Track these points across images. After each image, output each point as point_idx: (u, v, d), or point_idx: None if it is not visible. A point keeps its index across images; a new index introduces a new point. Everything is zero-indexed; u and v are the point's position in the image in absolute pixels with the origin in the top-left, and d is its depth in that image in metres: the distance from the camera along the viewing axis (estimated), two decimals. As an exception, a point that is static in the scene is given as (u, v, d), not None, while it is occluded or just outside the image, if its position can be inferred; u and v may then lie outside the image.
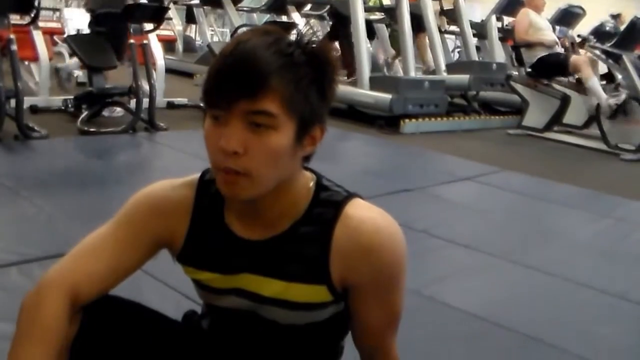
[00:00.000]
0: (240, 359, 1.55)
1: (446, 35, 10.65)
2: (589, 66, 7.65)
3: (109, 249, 1.43)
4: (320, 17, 10.50)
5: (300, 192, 1.40)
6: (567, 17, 9.79)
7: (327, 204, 1.39)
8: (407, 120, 7.55)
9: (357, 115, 7.75)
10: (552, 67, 8.04)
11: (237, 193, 1.30)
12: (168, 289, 2.71)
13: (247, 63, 1.22)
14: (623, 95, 7.34)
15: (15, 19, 5.86)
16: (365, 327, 1.50)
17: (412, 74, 8.12)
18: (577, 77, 7.91)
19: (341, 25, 8.78)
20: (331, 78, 1.32)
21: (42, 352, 1.31)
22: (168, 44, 10.37)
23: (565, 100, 7.95)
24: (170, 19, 10.82)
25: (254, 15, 10.83)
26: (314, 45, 1.30)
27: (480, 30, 10.24)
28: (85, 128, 5.86)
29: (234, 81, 1.23)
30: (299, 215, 1.39)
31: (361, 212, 1.38)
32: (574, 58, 7.84)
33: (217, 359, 1.56)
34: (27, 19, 5.97)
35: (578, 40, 8.43)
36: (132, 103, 6.21)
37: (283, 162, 1.29)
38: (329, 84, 1.32)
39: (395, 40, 8.45)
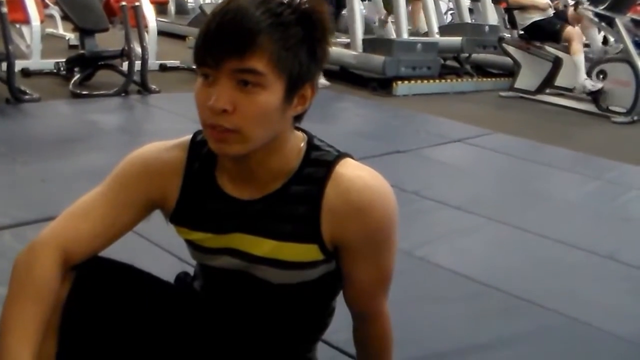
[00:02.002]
0: (233, 318, 1.57)
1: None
2: (581, 42, 7.67)
3: (100, 209, 1.44)
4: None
5: (291, 151, 1.41)
6: (560, -21, 9.74)
7: (318, 164, 1.40)
8: (399, 83, 7.54)
9: (349, 77, 7.74)
10: (545, 34, 8.02)
11: (226, 149, 1.31)
12: (161, 251, 2.74)
13: (235, 22, 1.23)
14: (600, 85, 7.35)
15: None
16: (357, 287, 1.51)
17: (405, 36, 8.09)
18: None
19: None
20: (322, 38, 1.32)
21: (35, 310, 1.33)
22: (160, 6, 10.27)
23: (557, 63, 7.93)
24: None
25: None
26: (305, 6, 1.29)
27: (473, -8, 10.18)
28: (78, 91, 5.86)
29: (222, 40, 1.24)
30: (290, 175, 1.40)
31: (352, 171, 1.40)
32: (568, 30, 7.79)
33: (210, 320, 1.58)
34: (17, -19, 5.93)
35: (571, 2, 8.40)
36: (125, 65, 6.18)
37: (272, 120, 1.30)
38: (319, 43, 1.32)
39: (389, 2, 8.40)
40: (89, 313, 1.42)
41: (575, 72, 7.55)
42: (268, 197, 1.41)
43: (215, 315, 1.58)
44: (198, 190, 1.46)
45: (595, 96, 7.39)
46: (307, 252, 1.42)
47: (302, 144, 1.43)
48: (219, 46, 1.24)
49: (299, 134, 1.44)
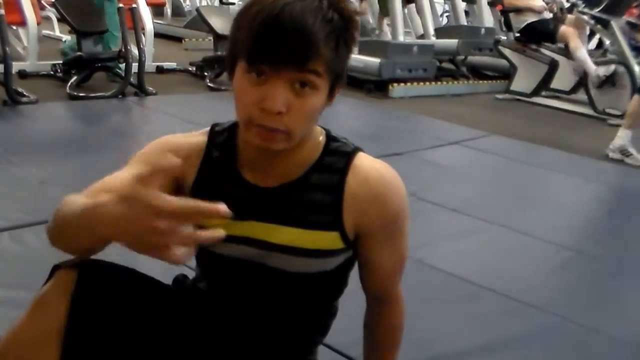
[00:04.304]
0: (236, 315, 1.57)
1: (435, 0, 10.60)
2: (577, 38, 7.68)
3: (124, 185, 1.45)
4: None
5: (312, 142, 1.47)
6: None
7: (338, 154, 1.47)
8: (395, 85, 7.56)
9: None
10: (540, 34, 8.05)
11: (272, 145, 1.35)
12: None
13: (299, 31, 1.26)
14: (613, 66, 7.36)
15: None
16: (376, 272, 1.57)
17: (401, 38, 8.10)
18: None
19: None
20: (357, 35, 1.38)
21: None
22: (157, 8, 10.29)
23: (553, 66, 7.96)
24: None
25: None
26: (349, 9, 1.34)
27: (469, -6, 10.20)
28: (75, 93, 5.85)
29: (286, 48, 1.26)
30: (311, 164, 1.46)
31: (369, 162, 1.48)
32: (562, 29, 7.82)
33: (211, 320, 1.58)
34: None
35: (567, 5, 8.42)
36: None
37: (315, 118, 1.39)
38: (355, 40, 1.38)
39: (385, 4, 8.41)
40: (92, 318, 1.41)
41: (583, 66, 7.56)
42: (289, 185, 1.45)
43: (217, 314, 1.58)
44: (217, 175, 1.49)
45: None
46: (328, 239, 1.45)
47: (321, 136, 1.50)
48: (282, 51, 1.26)
49: (317, 126, 1.50)
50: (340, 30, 1.31)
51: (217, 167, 1.50)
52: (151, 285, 1.57)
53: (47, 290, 1.40)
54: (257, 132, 1.33)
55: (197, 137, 1.54)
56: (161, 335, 1.51)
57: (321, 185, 1.45)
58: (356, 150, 1.50)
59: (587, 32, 8.23)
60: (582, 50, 7.61)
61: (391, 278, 1.61)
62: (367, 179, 1.45)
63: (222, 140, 1.51)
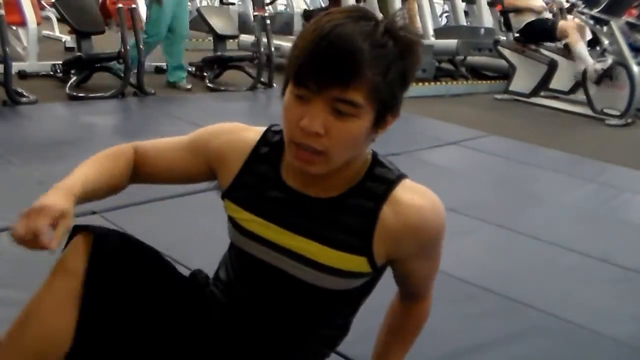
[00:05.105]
0: (250, 319, 1.57)
1: (434, 0, 10.60)
2: (577, 31, 7.68)
3: (175, 149, 1.63)
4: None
5: (358, 164, 1.45)
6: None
7: (380, 180, 1.45)
8: (395, 85, 7.54)
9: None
10: (539, 32, 8.06)
11: (309, 169, 1.36)
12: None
13: (344, 52, 1.25)
14: (609, 60, 7.37)
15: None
16: (412, 281, 1.61)
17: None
18: (564, 43, 7.92)
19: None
20: (415, 69, 1.35)
21: (108, 164, 1.61)
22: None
23: (552, 66, 7.96)
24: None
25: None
26: (407, 37, 1.31)
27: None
28: (74, 93, 5.86)
29: (329, 68, 1.25)
30: (352, 185, 1.45)
31: (410, 195, 1.43)
32: (561, 23, 7.85)
33: (223, 317, 1.60)
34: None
35: (566, 5, 8.43)
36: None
37: (358, 145, 1.36)
38: (412, 74, 1.35)
39: (384, 3, 8.41)
40: (107, 282, 1.45)
41: (581, 61, 7.59)
42: (326, 202, 1.45)
43: (227, 313, 1.60)
44: (259, 173, 1.52)
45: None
46: (354, 263, 1.45)
47: (368, 158, 1.47)
48: (324, 73, 1.26)
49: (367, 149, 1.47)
50: (393, 56, 1.29)
51: (262, 165, 1.52)
52: (163, 261, 1.62)
53: (66, 255, 1.46)
54: (296, 153, 1.35)
55: (252, 133, 1.58)
56: (171, 318, 1.55)
57: (356, 209, 1.43)
58: (400, 178, 1.46)
59: (588, 35, 8.24)
60: (581, 45, 7.63)
61: (426, 282, 1.63)
62: (403, 211, 1.41)
63: (274, 141, 1.52)
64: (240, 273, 1.61)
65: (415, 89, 7.71)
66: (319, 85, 1.27)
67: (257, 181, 1.51)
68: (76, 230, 1.48)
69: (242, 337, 1.58)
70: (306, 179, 1.44)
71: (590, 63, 7.47)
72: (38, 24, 6.67)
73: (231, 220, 1.56)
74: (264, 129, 1.57)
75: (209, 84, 7.03)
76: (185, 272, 1.74)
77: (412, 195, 1.43)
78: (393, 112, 1.37)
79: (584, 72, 7.52)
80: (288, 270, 1.48)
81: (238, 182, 1.54)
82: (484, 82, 9.03)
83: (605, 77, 7.37)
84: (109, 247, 1.47)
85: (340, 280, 1.47)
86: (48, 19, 8.78)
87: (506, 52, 8.32)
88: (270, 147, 1.52)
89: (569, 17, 8.26)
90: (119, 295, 1.46)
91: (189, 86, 6.74)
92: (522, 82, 8.16)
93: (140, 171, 1.65)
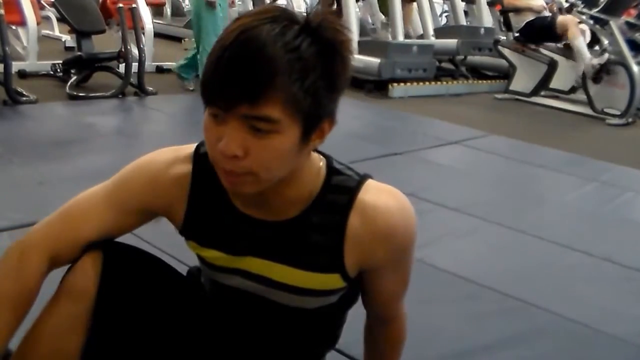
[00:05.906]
0: (240, 331, 1.55)
1: (434, 0, 10.60)
2: (577, 25, 7.68)
3: (100, 212, 1.40)
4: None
5: (308, 177, 1.32)
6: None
7: (340, 190, 1.33)
8: (395, 85, 7.57)
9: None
10: (539, 30, 8.05)
11: (240, 188, 1.23)
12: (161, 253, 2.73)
13: (249, 60, 1.10)
14: (606, 55, 7.37)
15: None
16: (379, 298, 1.51)
17: (401, 38, 8.11)
18: (564, 42, 7.92)
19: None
20: (343, 70, 1.18)
21: (12, 317, 1.35)
22: (156, 8, 10.28)
23: (552, 65, 7.97)
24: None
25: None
26: (325, 33, 1.15)
27: (469, -6, 10.20)
28: (75, 93, 5.85)
29: (234, 81, 1.10)
30: (310, 201, 1.33)
31: (375, 197, 1.32)
32: (561, 18, 7.84)
33: (218, 324, 1.57)
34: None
35: (566, 5, 8.43)
36: (121, 67, 6.18)
37: (288, 160, 1.20)
38: (340, 76, 1.18)
39: (384, 3, 8.41)
40: (118, 303, 1.41)
41: (579, 55, 7.61)
42: (286, 224, 1.34)
43: (221, 325, 1.56)
44: (209, 205, 1.38)
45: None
46: (328, 281, 1.37)
47: (321, 168, 1.34)
48: (230, 88, 1.11)
49: (316, 156, 1.35)
50: (311, 59, 1.12)
51: (209, 196, 1.37)
52: (171, 274, 1.55)
53: (74, 275, 1.39)
54: (221, 174, 1.22)
55: (183, 164, 1.39)
56: (178, 325, 1.51)
57: (321, 226, 1.32)
58: (361, 182, 1.33)
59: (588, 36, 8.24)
60: (580, 39, 7.63)
61: (394, 300, 1.53)
62: (371, 215, 1.31)
63: (210, 166, 1.26)
64: (216, 296, 1.55)
65: (416, 89, 7.73)
66: (227, 103, 1.12)
67: (210, 214, 1.38)
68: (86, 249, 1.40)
69: (236, 346, 1.56)
70: (258, 203, 1.32)
71: (588, 57, 7.49)
72: (38, 24, 6.67)
73: (197, 256, 1.48)
74: (190, 152, 1.39)
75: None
76: (183, 270, 1.73)
77: (377, 196, 1.32)
78: (328, 119, 1.21)
79: (584, 72, 7.52)
80: (263, 294, 1.42)
81: (190, 219, 1.40)
82: (484, 81, 9.04)
83: (602, 72, 7.37)
84: (120, 267, 1.41)
85: (316, 299, 1.42)
86: (48, 18, 8.77)
87: (506, 51, 8.33)
88: (207, 172, 1.31)
89: (569, 16, 8.25)
90: (129, 314, 1.42)
91: (192, 87, 6.72)
92: (522, 81, 8.17)
93: (65, 263, 1.43)
